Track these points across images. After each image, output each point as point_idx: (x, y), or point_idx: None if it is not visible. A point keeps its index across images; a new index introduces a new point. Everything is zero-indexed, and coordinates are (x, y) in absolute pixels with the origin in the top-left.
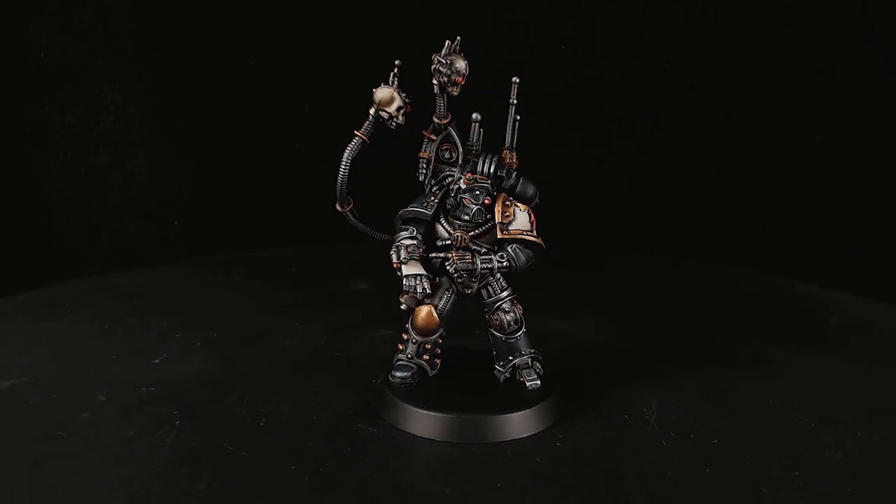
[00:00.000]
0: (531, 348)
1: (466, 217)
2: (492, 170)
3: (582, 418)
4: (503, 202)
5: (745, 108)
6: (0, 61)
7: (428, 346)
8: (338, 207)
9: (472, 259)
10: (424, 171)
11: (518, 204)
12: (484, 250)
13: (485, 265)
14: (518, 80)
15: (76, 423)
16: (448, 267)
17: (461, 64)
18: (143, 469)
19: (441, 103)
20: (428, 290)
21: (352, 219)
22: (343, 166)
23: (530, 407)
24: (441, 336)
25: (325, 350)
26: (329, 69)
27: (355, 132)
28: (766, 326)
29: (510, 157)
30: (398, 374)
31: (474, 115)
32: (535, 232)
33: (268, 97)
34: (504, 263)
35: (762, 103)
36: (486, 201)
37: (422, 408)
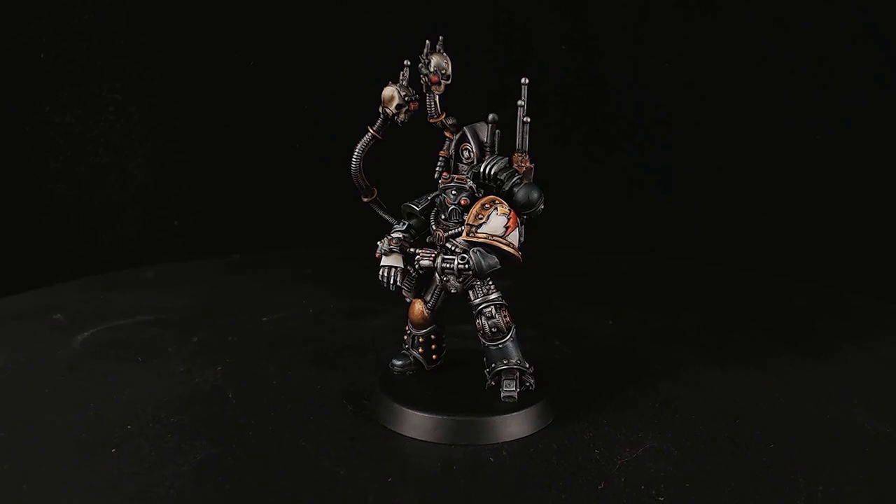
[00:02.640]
0: (517, 359)
1: (443, 216)
2: (492, 172)
3: (547, 438)
4: (483, 204)
5: (745, 107)
6: (0, 61)
7: (421, 339)
8: (363, 199)
9: (433, 257)
10: (440, 169)
11: (500, 207)
12: (459, 250)
13: (445, 265)
14: (527, 81)
15: (157, 354)
16: (414, 262)
17: (439, 63)
18: (154, 396)
19: (430, 102)
20: (398, 283)
21: (378, 210)
22: (353, 159)
23: (487, 415)
24: (435, 333)
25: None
26: (329, 69)
27: (368, 127)
28: (767, 328)
29: (520, 160)
30: (396, 361)
31: (490, 116)
32: (508, 238)
33: (267, 97)
34: (464, 265)
35: (762, 103)
36: (463, 202)
37: (392, 400)
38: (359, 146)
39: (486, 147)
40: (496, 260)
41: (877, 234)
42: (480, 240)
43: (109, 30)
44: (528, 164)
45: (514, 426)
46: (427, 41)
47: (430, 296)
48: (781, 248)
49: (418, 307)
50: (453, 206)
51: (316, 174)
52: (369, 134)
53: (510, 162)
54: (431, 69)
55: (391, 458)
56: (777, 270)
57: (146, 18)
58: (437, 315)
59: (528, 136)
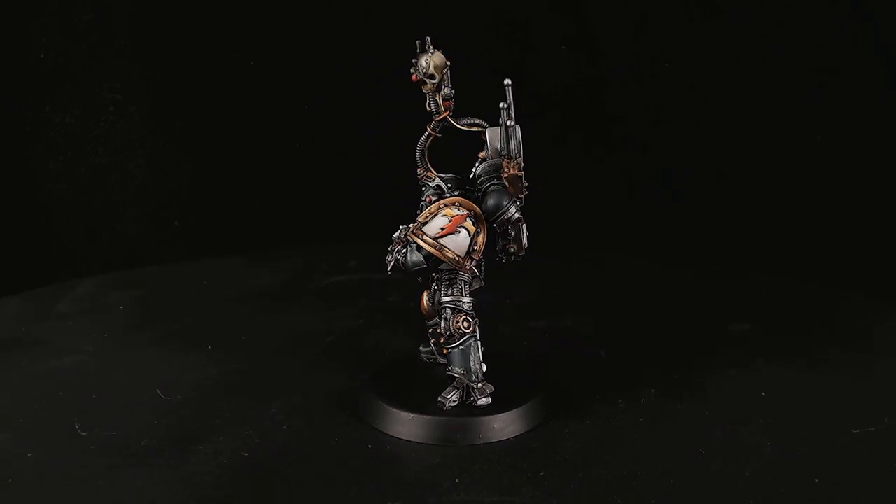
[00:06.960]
0: (465, 370)
1: (418, 210)
2: (475, 173)
3: (512, 447)
4: (440, 204)
5: (746, 108)
6: (0, 61)
7: (429, 330)
8: None
9: (393, 249)
10: (475, 170)
11: (448, 209)
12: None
13: (398, 258)
14: (510, 83)
15: (334, 300)
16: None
17: (422, 62)
18: (270, 330)
19: (429, 101)
20: (389, 271)
21: None
22: (416, 153)
23: (449, 416)
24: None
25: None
26: (329, 69)
27: (427, 126)
28: (767, 329)
29: (508, 167)
30: (423, 348)
31: (503, 120)
32: (444, 241)
33: (267, 97)
34: (402, 260)
35: (762, 103)
36: (428, 199)
37: (372, 394)
38: (419, 142)
39: (500, 150)
40: (420, 260)
41: (876, 234)
42: (413, 238)
43: (109, 30)
44: (513, 170)
45: (483, 431)
46: (417, 41)
47: (431, 288)
48: (781, 248)
49: (424, 298)
50: (422, 202)
51: (316, 174)
52: (427, 131)
53: (500, 168)
54: (415, 67)
55: (348, 447)
56: (777, 270)
57: (146, 18)
58: (438, 309)
59: (513, 141)
